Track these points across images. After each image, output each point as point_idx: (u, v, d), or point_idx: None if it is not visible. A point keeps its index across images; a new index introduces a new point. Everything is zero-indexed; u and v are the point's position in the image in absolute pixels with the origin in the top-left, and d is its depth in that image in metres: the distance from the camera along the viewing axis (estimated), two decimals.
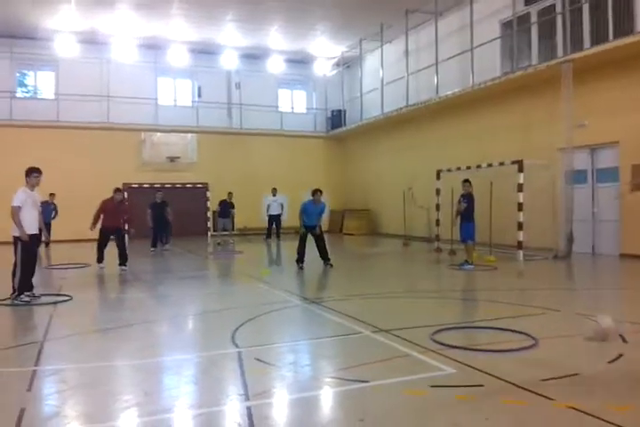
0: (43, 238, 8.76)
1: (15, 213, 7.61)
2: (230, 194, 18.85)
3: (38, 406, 3.83)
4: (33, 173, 7.99)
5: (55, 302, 7.74)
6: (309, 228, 11.87)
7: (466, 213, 11.30)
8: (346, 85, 23.93)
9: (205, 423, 3.52)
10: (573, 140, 12.71)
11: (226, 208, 18.72)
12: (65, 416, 3.63)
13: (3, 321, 6.98)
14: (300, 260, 11.68)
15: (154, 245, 15.90)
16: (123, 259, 11.73)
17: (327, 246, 11.97)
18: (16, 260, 7.75)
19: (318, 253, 11.84)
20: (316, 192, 11.81)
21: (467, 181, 11.51)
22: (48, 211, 16.49)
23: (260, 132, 23.34)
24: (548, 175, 13.31)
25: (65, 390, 4.17)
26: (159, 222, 15.91)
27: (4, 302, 7.66)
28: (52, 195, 17.20)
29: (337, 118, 24.05)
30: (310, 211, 11.82)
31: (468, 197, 11.35)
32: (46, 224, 16.53)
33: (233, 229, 19.80)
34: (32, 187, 8.03)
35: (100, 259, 12.00)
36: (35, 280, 8.21)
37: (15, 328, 6.59)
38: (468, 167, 14.17)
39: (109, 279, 10.94)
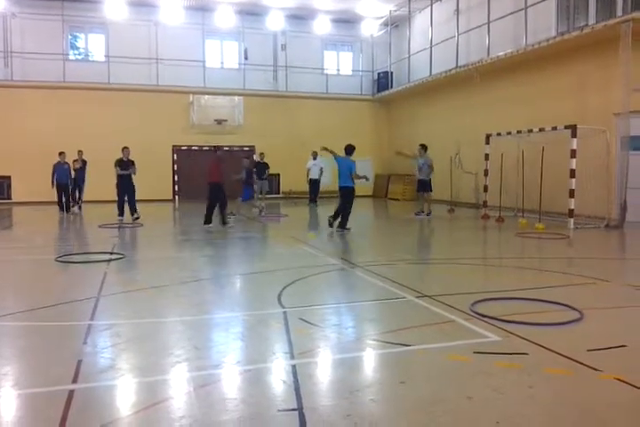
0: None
1: None
2: (262, 154, 18.40)
3: (94, 359, 4.02)
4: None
5: (109, 260, 8.04)
6: (343, 189, 11.42)
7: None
8: (393, 46, 23.29)
9: (252, 379, 3.64)
10: (631, 105, 12.13)
11: (262, 169, 18.45)
12: (119, 369, 3.81)
13: (59, 278, 7.32)
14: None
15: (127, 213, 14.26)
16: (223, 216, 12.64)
17: (349, 213, 11.50)
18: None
19: (340, 216, 11.44)
20: (349, 146, 11.73)
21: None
22: (62, 171, 16.31)
23: (305, 95, 23.10)
24: (602, 141, 12.82)
25: (119, 343, 4.36)
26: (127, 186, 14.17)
27: None
28: (61, 153, 16.31)
29: (384, 80, 23.54)
30: (340, 164, 11.56)
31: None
32: (64, 184, 16.23)
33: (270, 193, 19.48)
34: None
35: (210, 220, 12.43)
36: (89, 238, 8.63)
37: (71, 284, 6.86)
38: (519, 132, 13.75)
39: (161, 239, 11.27)
